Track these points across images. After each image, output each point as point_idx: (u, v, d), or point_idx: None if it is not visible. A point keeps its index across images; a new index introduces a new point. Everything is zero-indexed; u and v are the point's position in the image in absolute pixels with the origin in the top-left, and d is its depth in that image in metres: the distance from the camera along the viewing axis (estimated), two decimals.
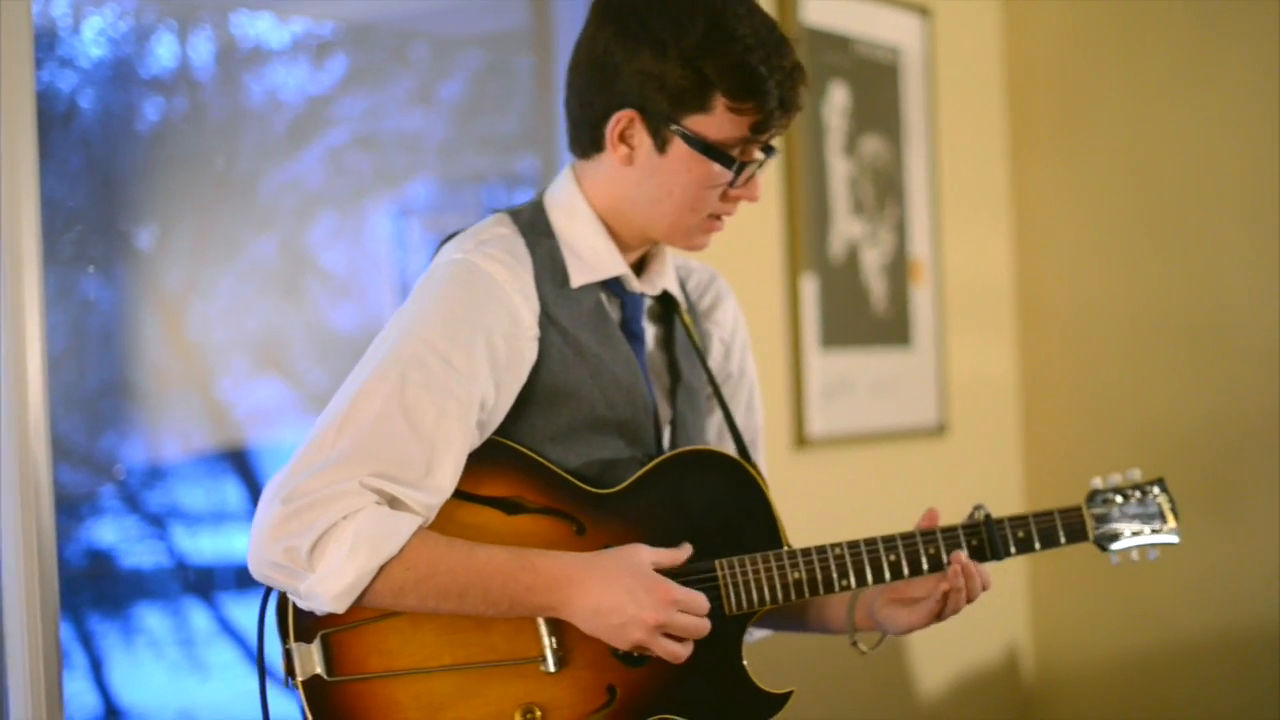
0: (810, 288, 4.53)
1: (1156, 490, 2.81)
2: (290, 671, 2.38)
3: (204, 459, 3.80)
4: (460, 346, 2.42)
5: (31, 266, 2.85)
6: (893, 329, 4.91)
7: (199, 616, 3.72)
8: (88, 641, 3.58)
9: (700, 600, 2.45)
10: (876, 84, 4.88)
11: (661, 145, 2.52)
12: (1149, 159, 5.09)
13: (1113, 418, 5.19)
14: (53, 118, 3.48)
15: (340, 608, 2.31)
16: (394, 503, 2.34)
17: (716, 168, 2.51)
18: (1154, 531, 2.79)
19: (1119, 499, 2.80)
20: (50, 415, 2.92)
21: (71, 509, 3.52)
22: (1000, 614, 5.21)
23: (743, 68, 2.47)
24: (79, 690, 3.53)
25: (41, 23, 3.42)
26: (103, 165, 3.62)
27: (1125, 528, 2.78)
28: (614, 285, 2.64)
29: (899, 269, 4.92)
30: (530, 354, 2.50)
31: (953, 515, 4.65)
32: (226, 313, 3.83)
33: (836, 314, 4.64)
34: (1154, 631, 5.05)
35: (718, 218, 2.59)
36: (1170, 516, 2.80)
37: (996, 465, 5.34)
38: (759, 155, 2.54)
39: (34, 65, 2.97)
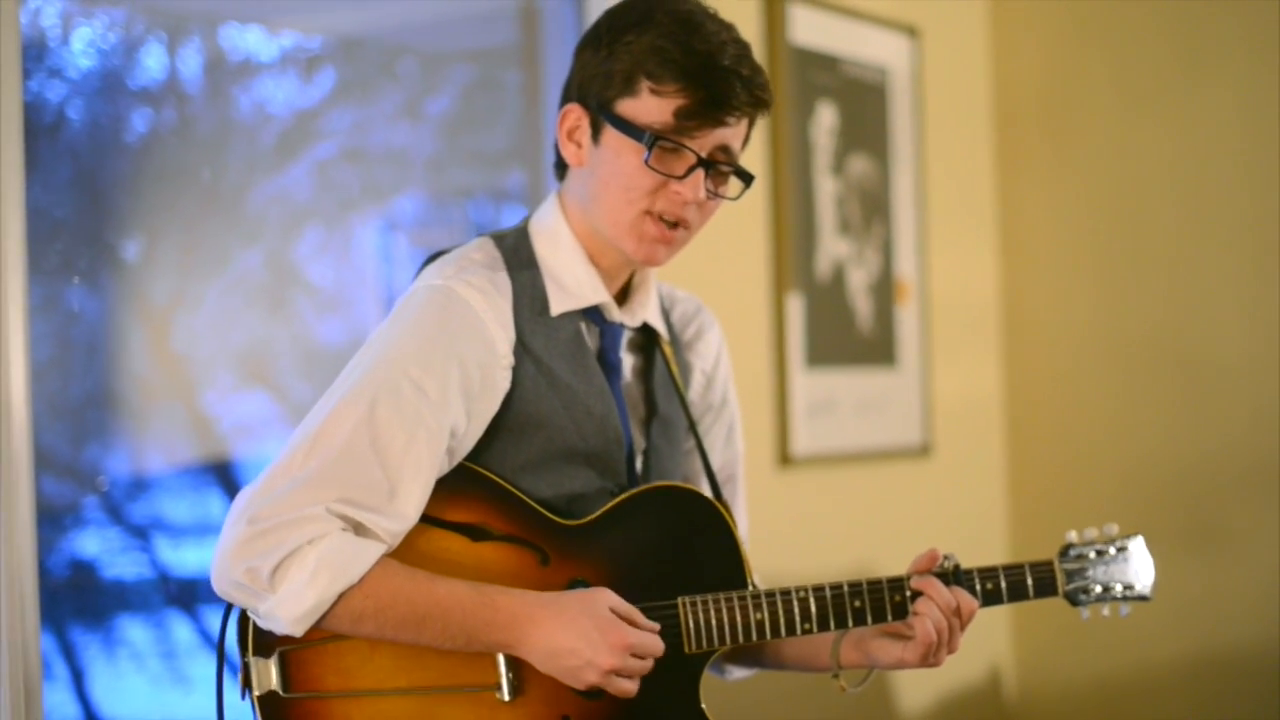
0: (796, 307, 4.54)
1: (1132, 546, 2.78)
2: (247, 685, 2.38)
3: (188, 471, 3.79)
4: (434, 373, 2.42)
5: (16, 276, 2.85)
6: (878, 349, 4.91)
7: (181, 629, 3.72)
8: (69, 653, 3.57)
9: (656, 643, 2.45)
10: (864, 104, 4.89)
11: (596, 134, 2.53)
12: (1137, 180, 5.11)
13: (1098, 439, 5.20)
14: (40, 128, 3.48)
15: (298, 631, 2.32)
16: (359, 529, 2.34)
17: (641, 150, 2.47)
18: (1127, 588, 2.77)
19: (1093, 553, 2.77)
20: (34, 425, 2.92)
21: (54, 520, 3.51)
22: (982, 635, 5.21)
23: (663, 48, 2.47)
24: (60, 701, 3.52)
25: (30, 33, 3.42)
26: (90, 176, 3.62)
27: (1098, 583, 2.76)
28: (593, 314, 2.63)
29: (885, 289, 4.93)
30: (504, 383, 2.50)
31: (935, 536, 4.67)
32: (212, 325, 3.82)
33: (822, 333, 4.64)
34: (1135, 656, 5.05)
35: (670, 225, 2.53)
36: (1146, 574, 2.78)
37: (981, 486, 5.34)
38: (695, 148, 2.49)
39: (22, 75, 2.97)
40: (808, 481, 4.61)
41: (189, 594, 3.74)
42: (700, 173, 2.51)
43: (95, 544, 3.65)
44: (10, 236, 2.86)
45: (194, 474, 3.79)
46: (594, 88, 2.53)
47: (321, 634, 2.38)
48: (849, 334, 4.81)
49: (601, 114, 2.52)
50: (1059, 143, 5.31)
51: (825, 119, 4.72)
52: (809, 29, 4.61)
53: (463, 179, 4.39)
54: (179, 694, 3.69)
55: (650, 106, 2.48)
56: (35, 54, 3.46)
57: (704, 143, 2.51)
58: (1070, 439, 5.29)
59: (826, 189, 4.72)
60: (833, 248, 4.73)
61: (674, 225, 2.55)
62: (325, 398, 2.43)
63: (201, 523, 3.75)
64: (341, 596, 2.31)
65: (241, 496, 2.35)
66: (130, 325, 3.67)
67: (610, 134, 2.51)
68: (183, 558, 3.74)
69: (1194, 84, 4.99)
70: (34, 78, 3.47)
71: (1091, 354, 5.23)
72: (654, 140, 2.47)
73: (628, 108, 2.50)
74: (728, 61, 2.48)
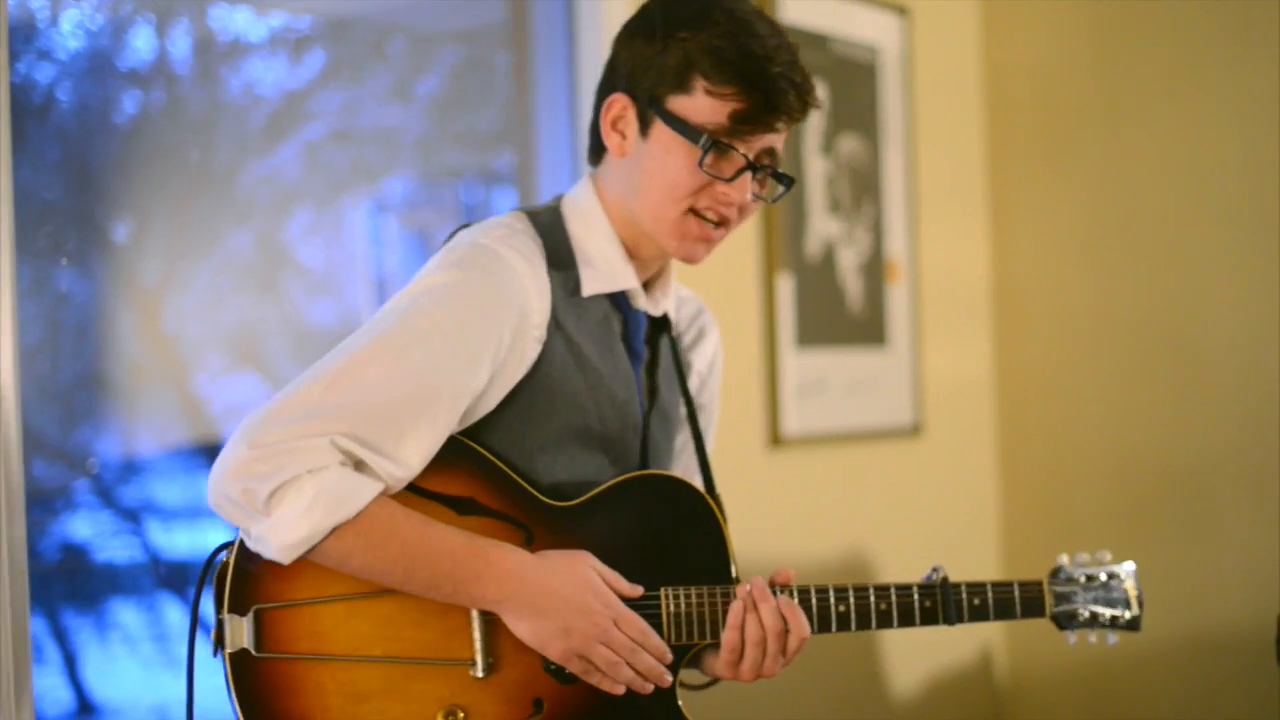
0: (786, 286, 4.53)
1: (1124, 574, 2.78)
2: (220, 642, 2.39)
3: (179, 454, 3.79)
4: (468, 333, 2.42)
5: (5, 258, 2.84)
6: (868, 328, 4.91)
7: (173, 612, 3.72)
8: (61, 637, 3.57)
9: (644, 626, 2.46)
10: (854, 83, 4.88)
11: (645, 128, 2.54)
12: (1127, 160, 5.10)
13: (1090, 420, 5.20)
14: (29, 110, 3.47)
15: (286, 559, 2.32)
16: (360, 466, 2.35)
17: (692, 150, 2.49)
18: (1115, 617, 2.78)
19: (1084, 578, 2.77)
20: (23, 408, 2.91)
21: (45, 503, 3.51)
22: None
23: (720, 49, 2.48)
24: (52, 685, 3.52)
25: (19, 14, 3.41)
26: (79, 158, 3.61)
27: (1086, 609, 2.77)
28: (620, 300, 2.64)
29: (875, 268, 4.93)
30: (531, 353, 2.50)
31: (926, 516, 4.67)
32: (203, 307, 3.82)
33: (812, 313, 4.64)
34: (1127, 640, 5.05)
35: (713, 223, 2.56)
36: (1135, 604, 2.78)
37: (971, 466, 5.35)
38: (745, 151, 2.51)
39: (10, 57, 2.96)
40: (798, 462, 4.61)
41: (180, 577, 3.75)
42: (748, 175, 2.54)
43: (86, 527, 3.65)
44: (0, 219, 2.85)
45: (185, 456, 3.79)
46: (645, 81, 2.53)
47: (299, 594, 2.39)
48: (839, 314, 4.81)
49: (652, 108, 2.52)
50: (1049, 122, 5.31)
51: None
52: (799, 7, 4.60)
53: (452, 160, 4.38)
54: (171, 676, 3.69)
55: (703, 107, 2.49)
56: (24, 35, 3.45)
57: (753, 145, 2.53)
58: (1062, 419, 5.29)
59: (816, 168, 4.72)
60: (823, 227, 4.73)
61: (716, 224, 2.57)
62: (354, 337, 2.42)
63: (193, 505, 3.75)
64: (334, 530, 2.31)
65: (250, 417, 2.34)
66: (120, 307, 3.66)
67: (660, 129, 2.52)
68: (174, 540, 3.74)
69: (1187, 66, 4.98)
70: (22, 59, 3.46)
71: (1083, 334, 5.23)
72: (711, 143, 2.49)
73: (680, 105, 2.51)
74: (780, 67, 2.50)
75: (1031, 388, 5.35)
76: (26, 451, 2.92)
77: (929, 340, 5.15)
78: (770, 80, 2.48)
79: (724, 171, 2.52)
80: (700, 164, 2.49)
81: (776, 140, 2.56)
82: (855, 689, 4.81)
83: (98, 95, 3.70)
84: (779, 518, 4.44)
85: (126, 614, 3.69)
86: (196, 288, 3.81)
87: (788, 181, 2.61)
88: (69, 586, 3.60)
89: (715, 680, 2.66)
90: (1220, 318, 4.91)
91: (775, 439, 4.50)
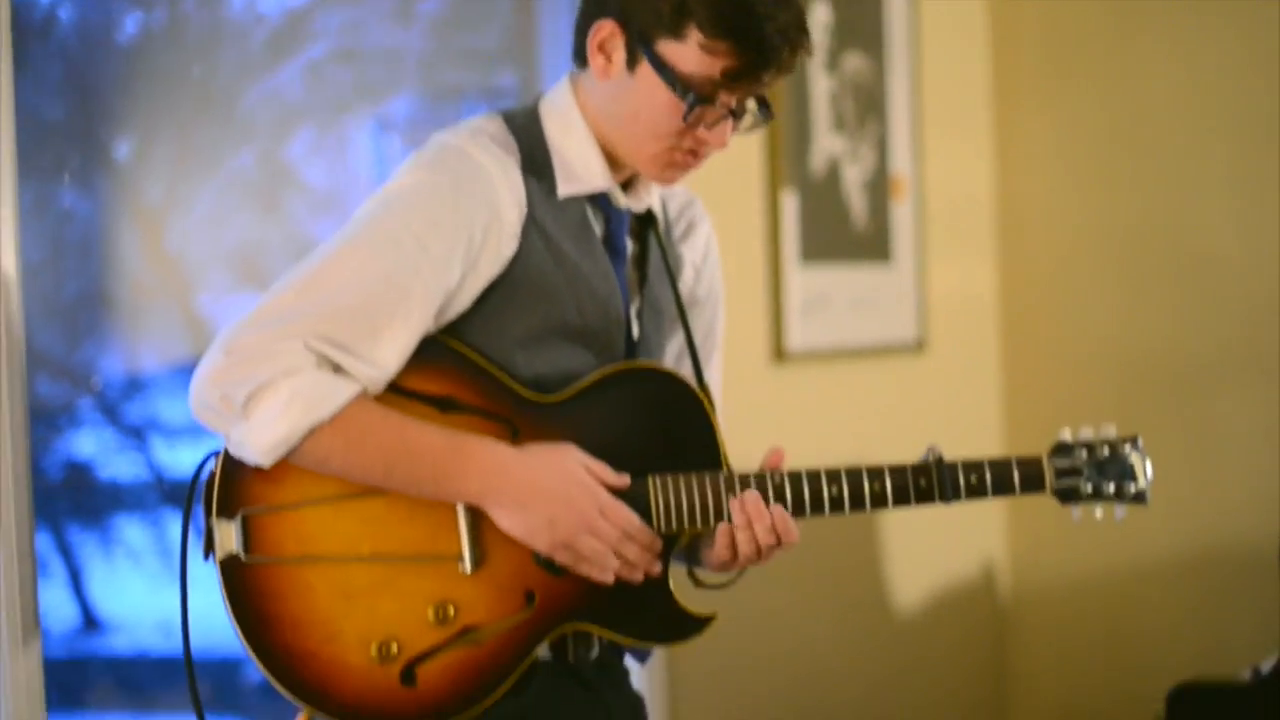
0: (790, 203, 4.54)
1: (1129, 447, 2.66)
2: (210, 547, 2.42)
3: (183, 371, 3.80)
4: (439, 231, 2.41)
5: (7, 177, 2.85)
6: (873, 245, 4.92)
7: (177, 528, 3.74)
8: (66, 552, 3.60)
9: (630, 514, 2.46)
10: (859, 0, 4.87)
11: (632, 63, 2.48)
12: (1132, 77, 5.09)
13: (1093, 335, 5.21)
14: (31, 29, 3.47)
15: (267, 462, 2.35)
16: (336, 370, 2.36)
17: (675, 98, 2.45)
18: (1121, 491, 2.65)
19: (1086, 454, 2.66)
20: (27, 325, 2.92)
21: (49, 420, 3.53)
22: (976, 531, 5.24)
23: (724, 3, 2.42)
24: (58, 601, 3.54)
25: None
26: (81, 77, 3.62)
27: (1090, 484, 2.65)
28: (600, 199, 2.61)
29: (880, 185, 4.93)
30: (507, 250, 2.48)
31: (930, 432, 4.67)
32: (206, 225, 3.83)
33: (816, 229, 4.65)
34: (1129, 550, 5.08)
35: (691, 153, 2.53)
36: (1141, 476, 2.65)
37: (975, 383, 5.35)
38: (729, 102, 2.47)
39: None
40: (802, 377, 4.62)
41: (184, 493, 3.77)
42: (729, 121, 2.50)
43: (90, 444, 3.66)
44: (1, 138, 2.86)
45: (188, 373, 3.78)
46: (637, 15, 2.47)
47: (285, 498, 2.41)
48: (844, 230, 4.81)
49: (642, 47, 2.47)
50: (1055, 39, 5.29)
51: (820, 15, 4.70)
52: None
53: (455, 79, 4.38)
54: (175, 591, 3.72)
55: (694, 58, 2.44)
56: None
57: (739, 96, 2.49)
58: (1065, 335, 5.30)
59: (821, 85, 4.71)
60: (827, 144, 4.73)
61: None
62: (327, 242, 2.43)
63: (196, 423, 3.77)
64: (312, 431, 2.33)
65: (226, 329, 2.37)
66: (123, 226, 3.67)
67: (647, 70, 2.47)
68: (178, 457, 3.76)
69: None
70: None
71: (1086, 249, 5.23)
72: (696, 101, 2.45)
73: (671, 51, 2.45)
74: (780, 25, 2.43)
75: (1035, 304, 5.36)
76: (30, 368, 2.93)
77: (933, 257, 5.14)
78: (766, 39, 2.42)
79: (705, 118, 2.48)
80: (684, 118, 2.45)
81: (763, 90, 2.52)
82: (856, 606, 4.83)
83: (99, 14, 3.70)
84: (782, 432, 4.41)
85: (131, 530, 3.71)
86: (199, 206, 3.82)
87: (768, 116, 2.57)
88: (73, 503, 3.63)
89: (738, 576, 2.63)
90: (1226, 234, 4.91)
91: (779, 354, 4.51)
